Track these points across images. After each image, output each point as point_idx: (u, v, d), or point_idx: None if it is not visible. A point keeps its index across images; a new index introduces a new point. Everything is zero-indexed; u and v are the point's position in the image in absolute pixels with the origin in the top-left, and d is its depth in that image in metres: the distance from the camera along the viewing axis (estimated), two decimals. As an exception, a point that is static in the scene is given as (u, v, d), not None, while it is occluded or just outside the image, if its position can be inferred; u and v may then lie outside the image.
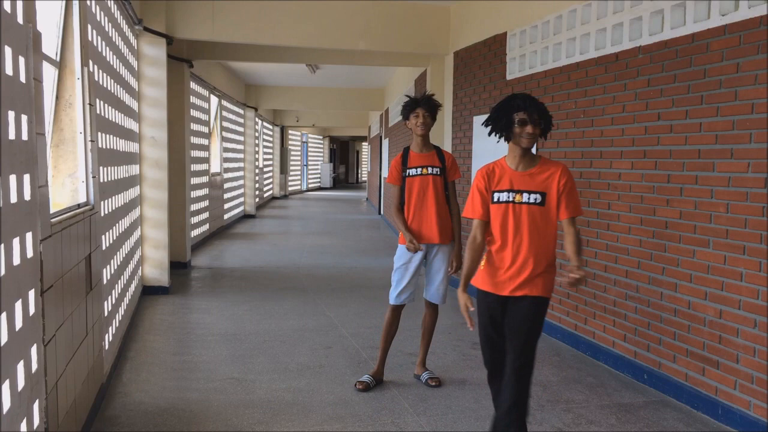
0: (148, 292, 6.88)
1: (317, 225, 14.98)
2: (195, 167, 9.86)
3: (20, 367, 2.23)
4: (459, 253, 4.24)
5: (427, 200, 4.17)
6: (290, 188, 26.48)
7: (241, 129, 15.56)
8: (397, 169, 4.25)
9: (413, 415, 3.77)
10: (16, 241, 2.20)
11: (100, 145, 4.13)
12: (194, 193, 9.75)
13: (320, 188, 31.89)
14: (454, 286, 7.83)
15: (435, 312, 4.37)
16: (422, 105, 4.14)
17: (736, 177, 3.62)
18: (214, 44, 8.76)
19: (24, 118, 2.35)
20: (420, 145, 4.25)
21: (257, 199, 17.77)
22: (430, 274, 4.29)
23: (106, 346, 4.16)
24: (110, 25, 4.95)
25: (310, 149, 30.64)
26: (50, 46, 3.52)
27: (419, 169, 4.19)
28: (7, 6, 2.20)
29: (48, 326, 2.63)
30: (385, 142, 15.69)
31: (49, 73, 3.45)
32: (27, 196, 2.35)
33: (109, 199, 4.52)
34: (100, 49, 4.38)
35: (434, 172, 4.18)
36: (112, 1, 5.16)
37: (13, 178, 2.17)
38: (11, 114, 2.19)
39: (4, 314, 2.05)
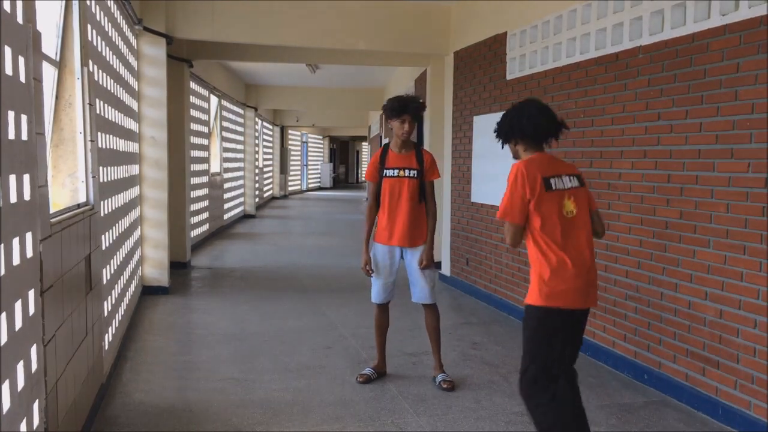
0: (148, 292, 6.88)
1: (317, 225, 14.99)
2: (195, 167, 9.86)
3: (20, 367, 2.23)
4: (429, 251, 4.23)
5: (401, 204, 4.18)
6: (290, 188, 26.48)
7: (241, 129, 15.55)
8: (374, 167, 4.26)
9: (413, 415, 3.77)
10: (16, 241, 2.20)
11: (100, 145, 4.13)
12: (194, 193, 9.75)
13: (320, 188, 31.88)
14: (456, 288, 7.76)
15: (433, 311, 4.35)
16: (410, 112, 4.10)
17: (736, 177, 3.62)
18: (214, 44, 8.76)
19: (24, 118, 2.34)
20: (399, 145, 4.24)
21: (257, 199, 17.76)
22: (412, 276, 4.30)
23: (106, 346, 4.16)
24: (110, 25, 4.94)
25: (310, 149, 30.63)
26: (50, 46, 3.51)
27: (395, 171, 4.18)
28: (7, 6, 2.20)
29: (48, 326, 2.63)
30: (385, 142, 15.69)
31: (49, 73, 3.44)
32: (27, 196, 2.35)
33: (109, 199, 4.51)
34: (100, 49, 4.38)
35: (410, 175, 4.17)
36: (112, 1, 5.16)
37: (12, 178, 2.17)
38: (11, 114, 2.18)
39: (4, 314, 2.05)
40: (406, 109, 4.09)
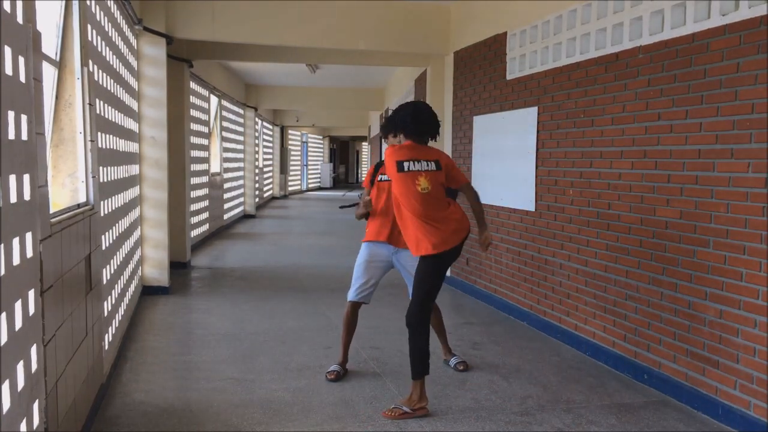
0: (148, 292, 6.88)
1: (317, 225, 14.98)
2: (195, 167, 9.86)
3: (20, 367, 2.23)
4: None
5: (393, 203, 4.24)
6: (290, 188, 26.47)
7: (241, 129, 15.55)
8: (369, 176, 4.51)
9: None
10: (15, 241, 2.20)
11: (100, 145, 4.13)
12: (194, 193, 9.75)
13: (320, 188, 31.88)
14: (456, 288, 7.74)
15: (434, 307, 4.51)
16: None
17: (736, 177, 3.62)
18: (214, 44, 8.76)
19: (24, 118, 2.34)
20: None
21: (257, 199, 17.76)
22: (410, 277, 4.33)
23: (106, 346, 4.16)
24: (110, 25, 4.94)
25: (310, 149, 30.63)
26: (50, 46, 3.51)
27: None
28: (7, 6, 2.20)
29: (48, 326, 2.63)
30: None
31: (49, 73, 3.44)
32: (27, 196, 2.35)
33: (109, 199, 4.51)
34: (100, 49, 4.38)
35: None
36: (112, 1, 5.16)
37: (12, 178, 2.17)
38: (11, 114, 2.18)
39: (4, 314, 2.05)
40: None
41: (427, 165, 3.78)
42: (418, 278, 3.88)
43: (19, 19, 2.36)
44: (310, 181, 30.67)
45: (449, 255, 3.86)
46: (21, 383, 2.23)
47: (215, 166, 12.46)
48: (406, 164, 3.74)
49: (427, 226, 3.74)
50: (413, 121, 3.81)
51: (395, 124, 3.88)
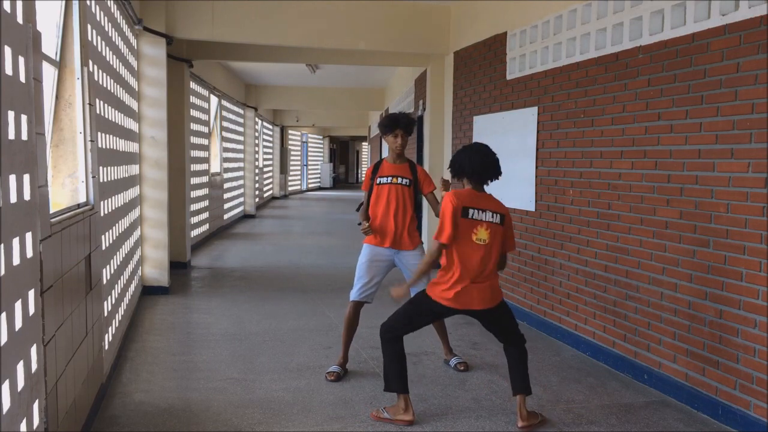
0: (148, 292, 6.88)
1: (317, 225, 14.98)
2: (195, 167, 9.86)
3: (20, 367, 2.23)
4: None
5: (393, 207, 4.39)
6: (290, 188, 26.48)
7: (240, 129, 15.55)
8: (368, 178, 4.56)
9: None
10: (15, 241, 2.20)
11: (100, 145, 4.13)
12: (194, 193, 9.75)
13: (320, 188, 31.88)
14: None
15: None
16: (401, 126, 4.38)
17: (736, 177, 3.62)
18: (214, 44, 8.76)
19: (24, 118, 2.34)
20: (394, 158, 4.52)
21: (257, 199, 17.76)
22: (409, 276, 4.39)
23: (106, 347, 4.16)
24: (110, 25, 4.94)
25: (310, 149, 30.63)
26: (50, 46, 3.52)
27: (389, 178, 4.45)
28: (7, 6, 2.20)
29: (48, 326, 2.63)
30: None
31: (49, 73, 3.45)
32: (27, 196, 2.35)
33: (109, 199, 4.51)
34: (100, 49, 4.38)
35: (404, 183, 4.44)
36: (112, 1, 5.16)
37: (12, 178, 2.17)
38: (11, 114, 2.18)
39: (4, 314, 2.05)
40: (398, 124, 4.38)
41: (493, 216, 3.62)
42: (410, 304, 3.75)
43: (19, 19, 2.36)
44: (310, 181, 30.67)
45: (454, 311, 3.66)
46: (21, 383, 2.23)
47: (215, 166, 12.46)
48: (471, 211, 3.61)
49: (462, 271, 3.55)
50: (483, 168, 3.65)
51: (463, 171, 3.68)
